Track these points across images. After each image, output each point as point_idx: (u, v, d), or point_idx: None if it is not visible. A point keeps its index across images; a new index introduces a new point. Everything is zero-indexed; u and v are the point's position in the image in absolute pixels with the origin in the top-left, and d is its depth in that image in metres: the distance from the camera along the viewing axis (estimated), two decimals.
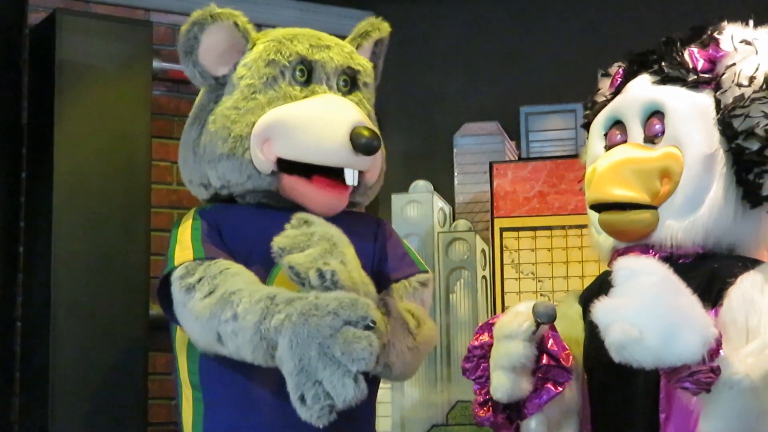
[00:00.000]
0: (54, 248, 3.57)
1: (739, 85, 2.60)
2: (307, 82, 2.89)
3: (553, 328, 2.62)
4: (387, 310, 2.71)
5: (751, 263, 2.57)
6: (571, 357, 2.62)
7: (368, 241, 2.89)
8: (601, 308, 2.25)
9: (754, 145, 2.56)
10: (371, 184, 2.95)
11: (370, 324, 2.44)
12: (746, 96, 2.58)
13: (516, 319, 2.58)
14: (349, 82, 2.96)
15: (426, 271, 2.97)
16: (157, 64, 4.02)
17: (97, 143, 3.70)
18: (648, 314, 2.20)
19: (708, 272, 2.56)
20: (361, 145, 2.73)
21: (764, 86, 2.58)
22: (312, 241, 2.58)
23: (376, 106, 3.10)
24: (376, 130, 2.83)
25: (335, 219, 2.76)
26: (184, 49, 2.90)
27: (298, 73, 2.88)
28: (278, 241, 2.60)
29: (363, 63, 3.01)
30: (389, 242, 2.95)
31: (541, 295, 4.07)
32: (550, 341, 2.61)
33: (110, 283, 3.63)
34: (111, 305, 3.62)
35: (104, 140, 3.71)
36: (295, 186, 2.83)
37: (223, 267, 2.69)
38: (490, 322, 2.68)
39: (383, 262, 2.91)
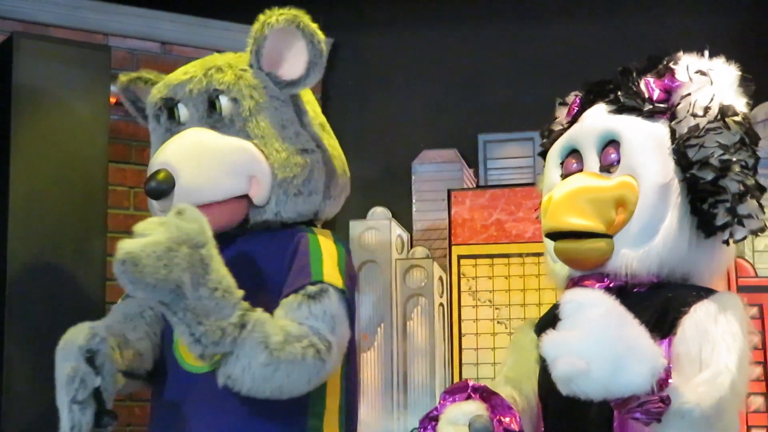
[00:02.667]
0: (8, 272, 3.54)
1: (694, 116, 2.62)
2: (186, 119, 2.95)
3: (489, 398, 2.56)
4: (244, 322, 2.63)
5: (705, 292, 2.58)
6: (518, 417, 2.58)
7: (281, 260, 2.82)
8: (548, 341, 2.25)
9: (709, 175, 2.58)
10: (263, 203, 2.87)
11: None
12: (701, 126, 2.60)
13: None
14: (217, 104, 2.92)
15: (319, 282, 2.84)
16: (115, 88, 4.00)
17: (53, 167, 3.68)
18: (594, 346, 2.20)
19: (662, 301, 2.57)
20: (148, 189, 2.74)
21: (718, 117, 2.60)
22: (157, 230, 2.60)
23: (336, 132, 3.08)
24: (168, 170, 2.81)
25: (253, 237, 2.79)
26: (134, 114, 3.15)
27: (175, 113, 2.94)
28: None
29: (226, 80, 2.93)
30: (296, 256, 2.84)
31: (498, 322, 4.08)
32: (495, 422, 2.55)
33: (65, 308, 3.60)
34: (65, 330, 3.59)
35: (61, 164, 3.69)
36: None
37: None
38: (431, 415, 2.60)
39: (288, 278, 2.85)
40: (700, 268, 2.69)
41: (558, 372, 2.22)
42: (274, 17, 2.90)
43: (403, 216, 4.46)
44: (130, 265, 2.45)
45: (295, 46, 2.93)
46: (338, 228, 4.22)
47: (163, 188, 2.70)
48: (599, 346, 2.20)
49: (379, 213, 4.40)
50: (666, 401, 2.24)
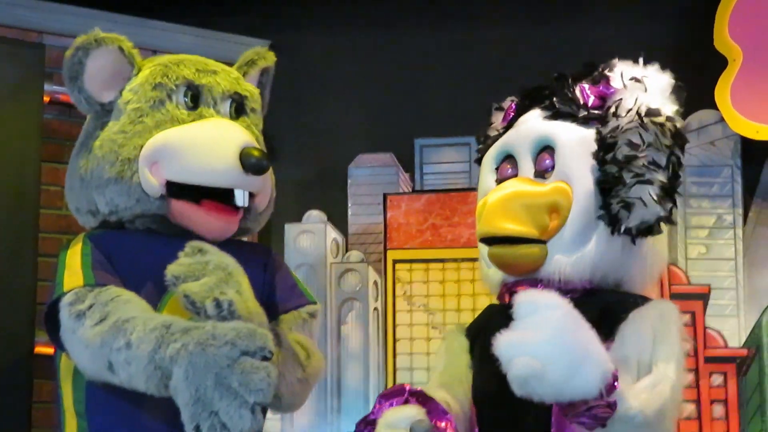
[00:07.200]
0: None
1: (617, 117, 2.64)
2: (195, 106, 2.88)
3: (426, 402, 2.54)
4: (278, 341, 2.69)
5: (641, 300, 2.60)
6: (453, 422, 2.56)
7: (258, 271, 2.87)
8: (503, 342, 2.23)
9: (613, 170, 2.59)
10: (261, 209, 2.93)
11: (268, 355, 2.42)
12: (620, 127, 2.61)
13: None
14: (237, 108, 2.95)
15: (314, 303, 2.95)
16: (49, 87, 3.96)
17: None
18: (551, 349, 2.19)
19: (598, 308, 2.57)
20: (250, 164, 2.72)
21: (637, 118, 2.61)
22: (207, 270, 2.56)
23: (271, 134, 3.09)
24: (265, 151, 2.83)
25: (225, 247, 2.73)
26: (69, 74, 2.88)
27: (185, 96, 2.86)
28: (172, 269, 2.56)
29: (250, 89, 2.99)
30: (279, 273, 2.93)
31: (433, 327, 4.08)
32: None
33: None
34: None
35: None
36: (183, 211, 2.80)
37: (115, 294, 2.65)
38: (368, 419, 2.58)
39: (273, 292, 2.89)
40: (632, 275, 2.70)
41: (513, 372, 2.20)
42: (272, 56, 3.12)
43: (338, 219, 4.46)
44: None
45: (268, 86, 3.13)
46: (273, 231, 4.21)
47: (264, 164, 2.76)
48: (556, 349, 2.19)
49: (315, 216, 4.39)
50: (612, 406, 2.25)
